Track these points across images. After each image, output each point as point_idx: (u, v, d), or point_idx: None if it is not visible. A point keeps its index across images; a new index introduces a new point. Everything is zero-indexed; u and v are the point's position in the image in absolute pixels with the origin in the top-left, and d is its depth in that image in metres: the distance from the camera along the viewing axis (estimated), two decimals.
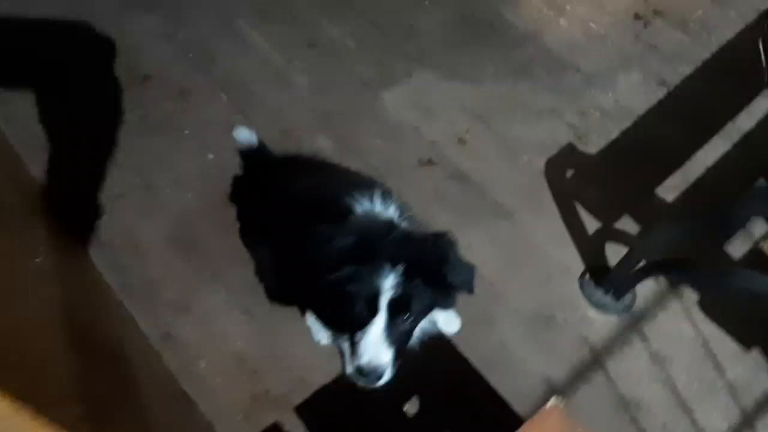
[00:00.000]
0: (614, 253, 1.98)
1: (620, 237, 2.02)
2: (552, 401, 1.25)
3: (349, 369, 1.35)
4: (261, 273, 1.83)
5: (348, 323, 1.35)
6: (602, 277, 1.90)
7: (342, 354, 1.69)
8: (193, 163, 2.09)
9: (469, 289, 1.38)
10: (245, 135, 2.01)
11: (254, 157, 2.00)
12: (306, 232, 1.36)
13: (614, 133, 2.27)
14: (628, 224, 2.05)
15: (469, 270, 1.39)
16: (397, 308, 1.32)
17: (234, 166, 2.05)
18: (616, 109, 2.34)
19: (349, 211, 1.45)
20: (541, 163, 2.18)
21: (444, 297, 1.40)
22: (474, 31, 2.55)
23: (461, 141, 2.22)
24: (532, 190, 2.12)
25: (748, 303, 1.84)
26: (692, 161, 2.20)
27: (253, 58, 2.38)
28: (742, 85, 2.42)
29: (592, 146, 2.24)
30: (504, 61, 2.45)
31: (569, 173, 2.18)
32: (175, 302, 1.82)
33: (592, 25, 2.60)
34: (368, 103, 2.30)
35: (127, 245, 1.91)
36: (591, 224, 2.05)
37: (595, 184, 2.15)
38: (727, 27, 2.59)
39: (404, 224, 1.48)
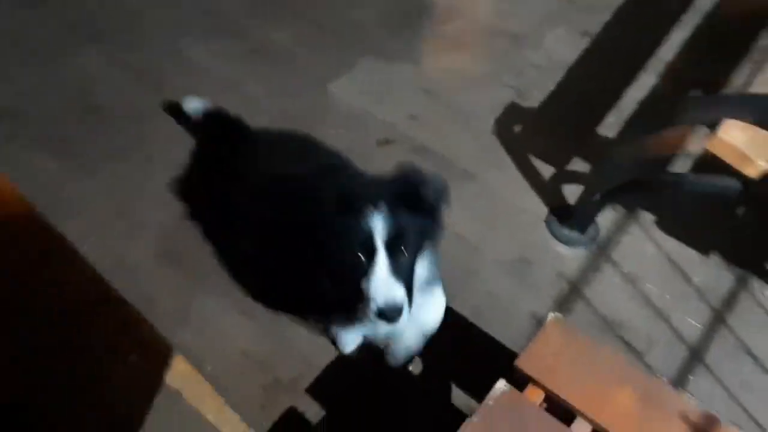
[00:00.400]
0: (572, 192, 2.13)
1: (574, 177, 2.17)
2: (551, 316, 1.36)
3: (370, 315, 1.35)
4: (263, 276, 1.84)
5: (351, 276, 1.39)
6: (566, 216, 2.05)
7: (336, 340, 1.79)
8: (162, 182, 2.14)
9: (445, 198, 1.46)
10: (195, 104, 2.03)
11: (217, 126, 2.02)
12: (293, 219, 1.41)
13: (551, 86, 2.43)
14: (579, 164, 2.21)
15: (438, 181, 1.45)
16: (393, 243, 1.37)
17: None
18: (548, 64, 2.50)
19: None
20: (490, 125, 2.32)
21: (429, 220, 1.46)
22: (407, 16, 2.68)
23: (413, 117, 2.34)
24: (488, 151, 2.25)
25: (699, 212, 2.01)
26: (625, 98, 2.38)
27: (204, 74, 2.44)
28: (656, 20, 2.62)
29: (533, 101, 2.39)
30: (438, 37, 2.58)
31: (517, 129, 2.32)
32: (173, 313, 1.88)
33: None
34: (320, 96, 2.39)
35: (118, 268, 1.95)
36: (547, 171, 2.20)
37: (543, 134, 2.30)
38: None
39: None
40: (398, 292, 1.35)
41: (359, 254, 1.37)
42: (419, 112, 2.36)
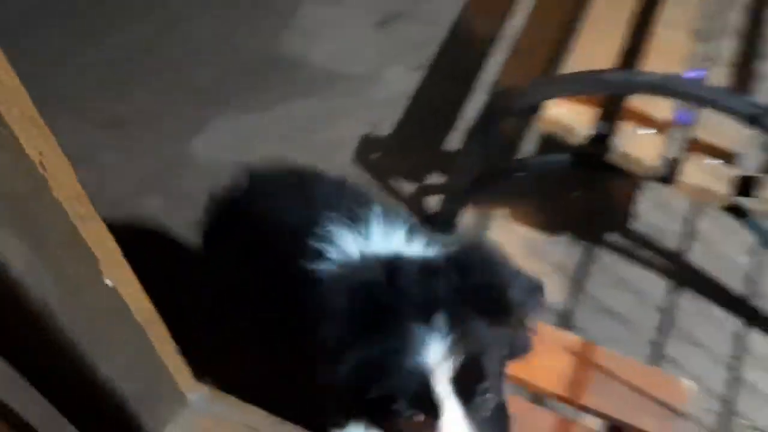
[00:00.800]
0: (435, 203, 2.35)
1: (433, 189, 2.39)
2: None
3: None
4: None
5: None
6: (430, 225, 2.24)
7: None
8: None
9: (539, 303, 0.94)
10: None
11: None
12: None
13: (399, 115, 2.67)
14: (435, 178, 2.44)
15: (530, 278, 0.96)
16: (467, 383, 0.83)
17: None
18: (393, 97, 2.75)
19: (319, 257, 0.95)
20: (350, 156, 2.50)
21: (514, 332, 0.92)
22: (255, 68, 2.83)
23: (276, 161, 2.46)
24: (352, 179, 2.41)
25: (546, 197, 2.29)
26: (464, 115, 2.67)
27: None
28: (477, 49, 2.97)
29: (386, 130, 2.61)
30: (288, 86, 2.75)
31: (375, 156, 2.52)
32: None
33: (345, 40, 3.01)
34: (183, 154, 2.45)
35: None
36: (409, 188, 2.40)
37: (399, 157, 2.52)
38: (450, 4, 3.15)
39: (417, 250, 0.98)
40: None
41: (411, 412, 0.82)
42: (281, 155, 2.48)
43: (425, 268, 0.90)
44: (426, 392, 0.81)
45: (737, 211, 1.73)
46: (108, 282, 0.66)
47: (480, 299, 0.86)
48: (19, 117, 0.56)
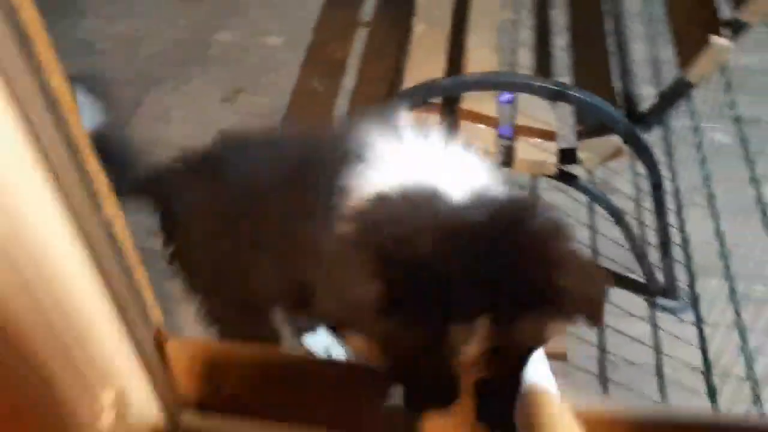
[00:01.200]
0: None
1: None
2: None
3: None
4: None
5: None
6: None
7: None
8: None
9: (595, 316, 0.77)
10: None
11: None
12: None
13: None
14: None
15: (593, 273, 0.80)
16: (489, 382, 0.76)
17: None
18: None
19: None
20: None
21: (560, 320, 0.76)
22: None
23: None
24: None
25: None
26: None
27: None
28: (318, 108, 3.26)
29: None
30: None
31: None
32: None
33: (195, 117, 3.16)
34: None
35: None
36: None
37: None
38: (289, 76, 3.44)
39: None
40: None
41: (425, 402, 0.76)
42: None
43: (474, 230, 0.74)
44: (446, 388, 0.74)
45: (566, 177, 2.11)
46: None
47: (526, 287, 0.72)
48: None
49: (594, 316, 0.77)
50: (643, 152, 1.75)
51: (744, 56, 3.04)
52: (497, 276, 0.71)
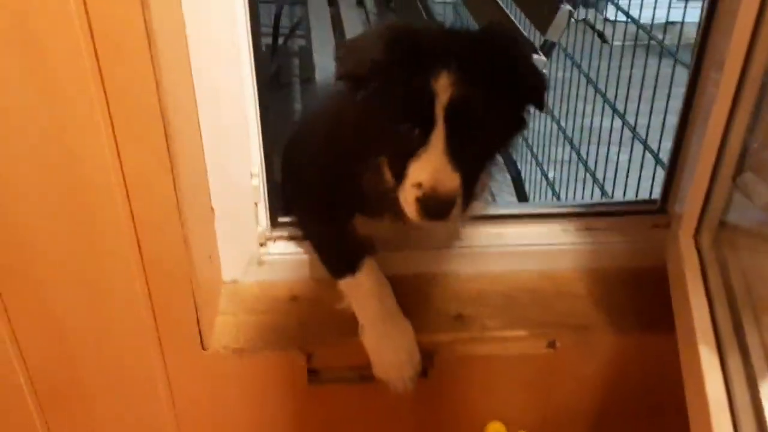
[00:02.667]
0: None
1: None
2: None
3: (406, 205, 1.06)
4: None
5: (395, 151, 1.07)
6: None
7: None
8: None
9: (540, 101, 1.11)
10: None
11: None
12: None
13: None
14: None
15: (540, 73, 1.14)
16: (459, 115, 1.02)
17: None
18: None
19: None
20: None
21: (516, 110, 1.12)
22: None
23: None
24: None
25: None
26: None
27: None
28: None
29: None
30: None
31: None
32: None
33: None
34: None
35: None
36: None
37: None
38: None
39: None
40: (450, 178, 1.02)
41: (410, 123, 1.04)
42: None
43: (450, 30, 1.16)
44: (426, 109, 1.02)
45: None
46: None
47: (490, 60, 1.05)
48: None
49: (542, 100, 1.11)
50: None
51: None
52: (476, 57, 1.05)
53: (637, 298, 1.43)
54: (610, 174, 2.33)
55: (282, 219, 1.47)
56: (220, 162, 1.29)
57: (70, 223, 1.09)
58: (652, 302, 1.38)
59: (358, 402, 1.40)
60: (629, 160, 2.22)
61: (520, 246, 1.50)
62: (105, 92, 0.98)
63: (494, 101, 1.05)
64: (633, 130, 2.14)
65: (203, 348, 1.28)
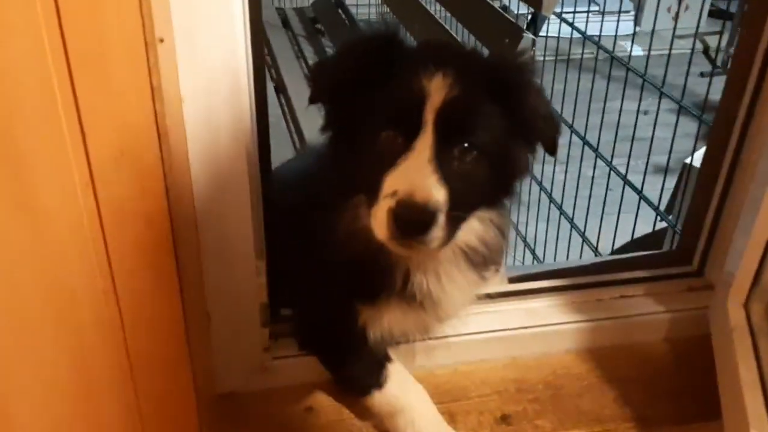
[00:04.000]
0: None
1: None
2: None
3: (378, 217, 0.85)
4: None
5: (373, 153, 0.89)
6: None
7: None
8: None
9: (553, 144, 0.95)
10: None
11: None
12: None
13: None
14: None
15: (553, 114, 0.98)
16: (452, 120, 0.87)
17: None
18: None
19: None
20: None
21: (520, 136, 0.94)
22: None
23: None
24: None
25: None
26: None
27: None
28: None
29: None
30: None
31: None
32: None
33: None
34: None
35: None
36: None
37: None
38: None
39: None
40: (432, 185, 0.83)
41: (393, 128, 0.88)
42: None
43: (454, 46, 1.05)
44: (411, 113, 0.86)
45: None
46: None
47: (492, 82, 0.91)
48: None
49: (553, 143, 0.96)
50: None
51: None
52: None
53: (683, 377, 1.30)
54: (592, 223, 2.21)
55: (286, 312, 1.24)
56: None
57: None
58: (697, 379, 1.25)
59: None
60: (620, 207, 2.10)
61: (551, 325, 1.34)
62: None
63: (494, 119, 0.91)
64: (624, 177, 2.02)
65: None
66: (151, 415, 0.92)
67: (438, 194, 0.83)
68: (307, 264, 1.06)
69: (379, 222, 0.85)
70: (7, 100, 0.62)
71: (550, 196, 2.33)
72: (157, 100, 0.68)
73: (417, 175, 0.83)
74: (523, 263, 2.34)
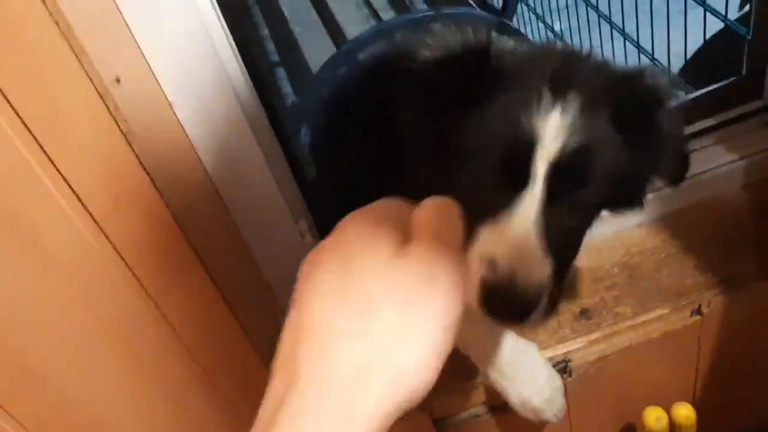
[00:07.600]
0: None
1: None
2: None
3: (470, 294, 0.68)
4: None
5: (465, 188, 0.67)
6: None
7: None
8: None
9: (681, 174, 0.81)
10: None
11: None
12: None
13: None
14: None
15: (687, 149, 0.81)
16: (566, 181, 0.69)
17: None
18: None
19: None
20: None
21: (644, 169, 0.77)
22: None
23: None
24: None
25: None
26: None
27: None
28: None
29: None
30: None
31: None
32: None
33: None
34: None
35: None
36: None
37: None
38: None
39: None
40: (539, 263, 0.68)
41: (497, 176, 0.70)
42: None
43: (570, 55, 0.79)
44: (518, 163, 0.68)
45: None
46: None
47: (620, 105, 0.72)
48: None
49: (681, 172, 0.81)
50: None
51: None
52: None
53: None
54: None
55: None
56: None
57: None
58: None
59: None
60: None
61: None
62: None
63: (617, 159, 0.72)
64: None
65: None
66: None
67: (544, 272, 0.68)
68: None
69: (470, 285, 0.67)
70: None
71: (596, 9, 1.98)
72: (131, 140, 0.62)
73: (520, 246, 0.67)
74: None
